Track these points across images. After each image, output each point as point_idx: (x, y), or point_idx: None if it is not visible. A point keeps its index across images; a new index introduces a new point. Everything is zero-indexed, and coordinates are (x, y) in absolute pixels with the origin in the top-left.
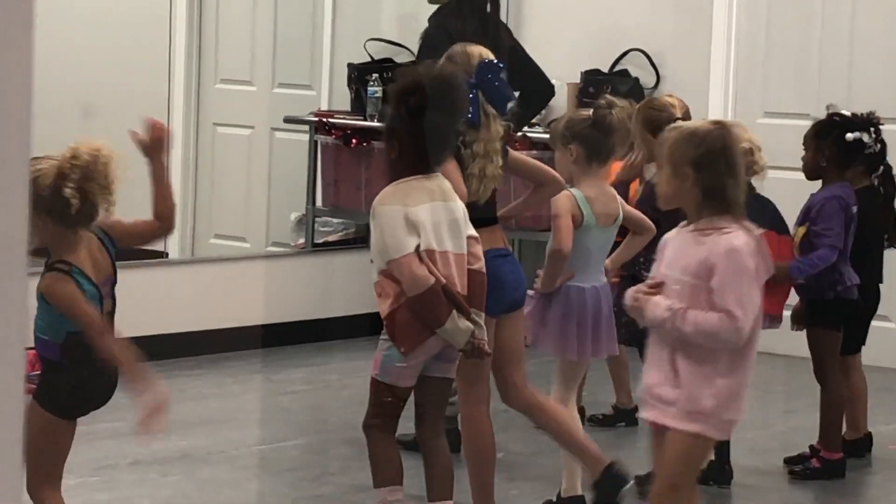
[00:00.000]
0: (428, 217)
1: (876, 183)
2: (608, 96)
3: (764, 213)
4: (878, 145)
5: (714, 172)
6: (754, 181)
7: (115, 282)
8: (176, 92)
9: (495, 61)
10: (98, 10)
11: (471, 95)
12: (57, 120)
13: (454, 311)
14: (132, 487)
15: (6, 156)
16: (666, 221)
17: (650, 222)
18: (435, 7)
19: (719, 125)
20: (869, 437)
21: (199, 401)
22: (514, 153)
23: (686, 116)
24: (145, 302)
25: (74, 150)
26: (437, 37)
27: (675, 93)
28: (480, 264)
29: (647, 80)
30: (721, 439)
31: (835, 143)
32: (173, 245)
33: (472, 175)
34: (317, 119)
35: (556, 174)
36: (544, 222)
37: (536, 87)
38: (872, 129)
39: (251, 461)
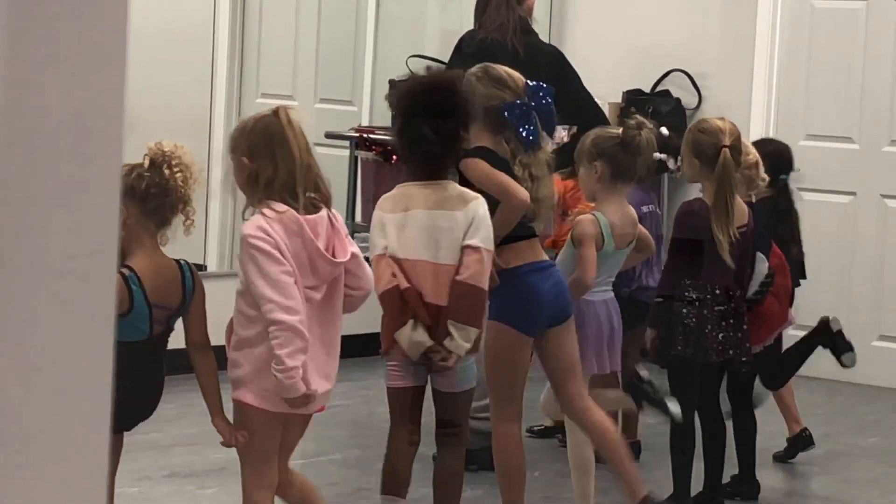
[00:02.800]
0: (399, 223)
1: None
2: (638, 116)
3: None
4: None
5: (261, 161)
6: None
7: (176, 314)
8: (217, 106)
9: (542, 84)
10: (141, 23)
11: (529, 118)
12: None
13: (410, 321)
14: (169, 500)
15: (100, 167)
16: (701, 242)
17: (651, 243)
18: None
19: (273, 112)
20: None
21: None
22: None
23: (736, 143)
24: None
25: (160, 144)
26: (469, 49)
27: (717, 114)
28: (468, 274)
29: (688, 100)
30: (275, 410)
31: None
32: (212, 258)
33: (538, 200)
34: (357, 135)
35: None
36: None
37: (591, 122)
38: (679, 157)
39: None
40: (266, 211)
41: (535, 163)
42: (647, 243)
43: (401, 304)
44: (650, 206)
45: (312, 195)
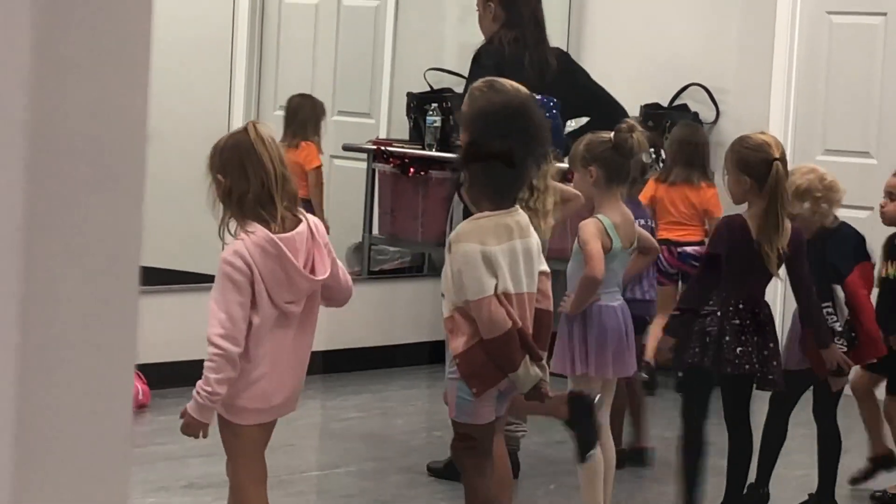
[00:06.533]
0: (506, 258)
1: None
2: (629, 120)
3: (857, 246)
4: (660, 164)
5: (234, 177)
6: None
7: None
8: (235, 117)
9: (544, 98)
10: (160, 35)
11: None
12: None
13: (527, 357)
14: None
15: (123, 175)
16: (733, 257)
17: (655, 242)
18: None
19: (243, 129)
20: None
21: None
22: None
23: (783, 156)
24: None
25: None
26: (487, 62)
27: (735, 129)
28: (548, 302)
29: (706, 114)
30: (246, 423)
31: None
32: None
33: (537, 210)
34: (375, 147)
35: (574, 190)
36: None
37: (604, 112)
38: (653, 149)
39: (305, 486)
40: (243, 236)
41: (540, 175)
42: (651, 245)
43: (518, 344)
44: (641, 221)
45: (290, 207)
